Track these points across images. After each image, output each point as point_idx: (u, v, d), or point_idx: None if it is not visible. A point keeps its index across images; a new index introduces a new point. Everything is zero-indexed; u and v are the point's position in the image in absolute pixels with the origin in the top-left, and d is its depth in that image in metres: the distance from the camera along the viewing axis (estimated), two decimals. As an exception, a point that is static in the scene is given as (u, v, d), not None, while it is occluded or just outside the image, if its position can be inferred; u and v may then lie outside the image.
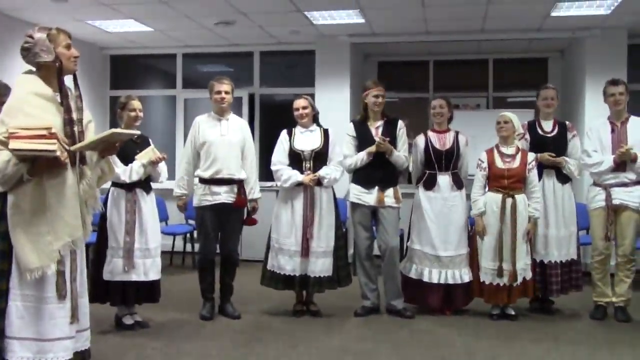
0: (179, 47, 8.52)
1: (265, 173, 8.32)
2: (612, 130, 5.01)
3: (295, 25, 7.21)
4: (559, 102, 5.37)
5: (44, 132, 2.84)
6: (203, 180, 5.00)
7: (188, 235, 7.56)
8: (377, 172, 5.07)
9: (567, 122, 5.37)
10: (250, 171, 5.10)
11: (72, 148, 2.96)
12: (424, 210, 5.15)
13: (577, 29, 7.16)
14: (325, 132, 5.14)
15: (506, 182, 4.91)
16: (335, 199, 5.13)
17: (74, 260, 3.10)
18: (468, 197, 5.19)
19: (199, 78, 8.64)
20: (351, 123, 5.31)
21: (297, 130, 5.13)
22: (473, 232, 5.14)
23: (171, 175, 8.24)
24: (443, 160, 5.13)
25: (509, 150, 5.00)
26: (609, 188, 4.93)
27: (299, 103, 5.12)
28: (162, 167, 4.82)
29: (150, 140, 4.84)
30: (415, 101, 8.77)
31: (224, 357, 4.14)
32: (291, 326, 4.86)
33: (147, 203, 4.68)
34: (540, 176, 5.06)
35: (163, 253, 4.88)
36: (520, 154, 4.98)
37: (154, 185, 4.87)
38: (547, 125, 5.25)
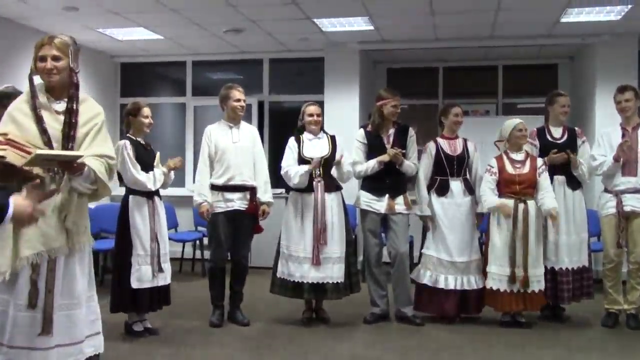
0: (189, 55, 8.57)
1: (274, 180, 8.34)
2: (623, 136, 4.99)
3: (304, 33, 7.23)
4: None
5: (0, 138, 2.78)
6: (216, 187, 5.00)
7: (197, 242, 7.57)
8: (387, 180, 5.07)
9: (576, 128, 5.36)
10: (261, 175, 5.11)
11: (23, 163, 2.74)
12: (438, 216, 5.13)
13: (587, 35, 7.14)
14: (333, 139, 5.14)
15: (518, 188, 4.89)
16: (344, 204, 5.13)
17: (51, 271, 2.96)
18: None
19: (209, 86, 8.69)
20: (361, 129, 5.30)
21: (306, 137, 5.13)
22: (483, 239, 5.12)
23: (180, 183, 8.34)
24: (455, 166, 5.13)
25: (518, 156, 5.00)
26: (620, 194, 4.91)
27: (313, 110, 5.12)
28: (171, 174, 4.86)
29: (152, 147, 4.88)
30: (424, 108, 8.77)
31: (233, 364, 4.14)
32: (300, 333, 4.85)
33: (162, 209, 4.74)
34: (551, 182, 5.03)
35: (172, 260, 4.89)
36: (529, 159, 4.97)
37: (163, 192, 4.90)
38: (557, 132, 5.23)
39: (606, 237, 5.02)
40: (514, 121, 5.08)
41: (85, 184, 3.03)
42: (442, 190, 5.15)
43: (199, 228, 7.58)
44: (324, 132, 5.19)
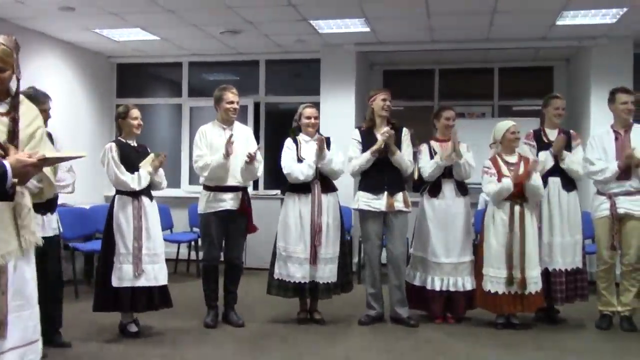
0: (186, 56, 8.58)
1: (270, 181, 8.37)
2: (616, 139, 5.01)
3: (301, 34, 7.24)
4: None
5: None
6: (208, 188, 5.02)
7: (193, 243, 7.57)
8: (384, 177, 5.07)
9: (571, 131, 5.37)
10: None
11: None
12: (427, 217, 5.15)
13: (583, 38, 7.17)
14: (327, 141, 5.15)
15: (515, 190, 4.89)
16: (339, 205, 5.14)
17: (3, 273, 2.88)
18: (473, 205, 5.17)
19: (205, 86, 8.69)
20: (357, 129, 5.31)
21: (302, 138, 5.13)
22: (479, 241, 5.13)
23: (176, 184, 8.35)
24: (446, 167, 5.13)
25: (512, 158, 5.01)
26: (614, 197, 4.92)
27: (311, 112, 5.14)
28: (162, 174, 4.88)
29: (148, 149, 4.90)
30: (420, 110, 8.78)
31: (228, 365, 4.15)
32: (295, 335, 4.85)
33: (152, 209, 4.73)
34: (545, 183, 5.05)
35: (168, 261, 4.89)
36: (522, 161, 4.98)
37: (159, 193, 4.93)
38: (552, 134, 5.24)
39: (600, 239, 5.04)
40: (506, 123, 5.09)
41: (35, 182, 3.01)
42: (434, 191, 5.16)
43: (194, 229, 7.58)
44: (319, 134, 5.20)
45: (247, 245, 7.21)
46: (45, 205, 4.18)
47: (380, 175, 5.08)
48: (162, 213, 4.96)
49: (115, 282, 4.53)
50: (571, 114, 7.23)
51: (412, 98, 8.79)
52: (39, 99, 4.23)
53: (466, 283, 5.08)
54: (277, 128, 8.37)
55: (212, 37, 7.40)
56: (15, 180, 2.67)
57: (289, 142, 5.14)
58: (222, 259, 5.15)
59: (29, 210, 3.03)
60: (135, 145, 4.81)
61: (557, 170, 5.11)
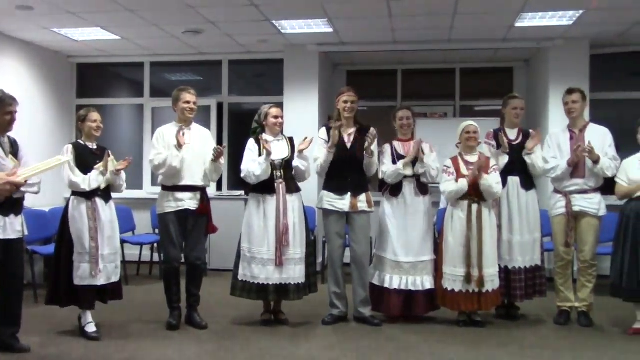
0: (147, 56, 8.48)
1: (234, 181, 8.33)
2: (571, 138, 5.13)
3: (263, 35, 7.23)
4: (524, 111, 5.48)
5: None
6: (166, 188, 5.01)
7: (155, 244, 7.48)
8: (348, 178, 5.10)
9: (531, 131, 5.46)
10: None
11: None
12: (387, 216, 5.19)
13: (541, 39, 7.31)
14: (291, 141, 5.17)
15: (471, 189, 4.97)
16: (304, 205, 5.15)
17: None
18: (435, 204, 5.22)
19: (167, 87, 8.59)
20: (324, 127, 5.31)
21: (266, 138, 5.11)
22: (440, 239, 5.19)
23: (138, 186, 8.25)
24: (409, 168, 5.18)
25: (472, 158, 5.07)
26: (569, 195, 5.05)
27: (277, 112, 5.13)
28: (123, 177, 4.90)
29: (109, 152, 4.89)
30: (384, 110, 8.83)
31: (191, 367, 4.12)
32: (258, 335, 4.84)
33: (106, 211, 4.78)
34: (504, 183, 5.13)
35: (130, 263, 4.85)
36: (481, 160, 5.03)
37: (121, 195, 4.96)
38: (512, 134, 5.34)
39: (556, 236, 5.16)
40: (464, 124, 5.18)
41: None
42: (395, 191, 5.20)
43: (157, 231, 7.50)
44: (282, 134, 5.21)
45: (211, 246, 7.18)
46: (7, 207, 4.11)
47: (344, 176, 5.10)
48: (124, 215, 4.94)
49: (77, 281, 4.61)
50: (530, 113, 7.38)
51: (376, 98, 8.83)
52: (5, 101, 4.17)
53: (425, 282, 5.12)
54: (240, 128, 8.33)
55: (173, 36, 7.33)
56: None
57: (251, 143, 5.12)
58: (183, 260, 5.11)
59: None
60: (95, 147, 4.84)
61: (516, 169, 5.20)
